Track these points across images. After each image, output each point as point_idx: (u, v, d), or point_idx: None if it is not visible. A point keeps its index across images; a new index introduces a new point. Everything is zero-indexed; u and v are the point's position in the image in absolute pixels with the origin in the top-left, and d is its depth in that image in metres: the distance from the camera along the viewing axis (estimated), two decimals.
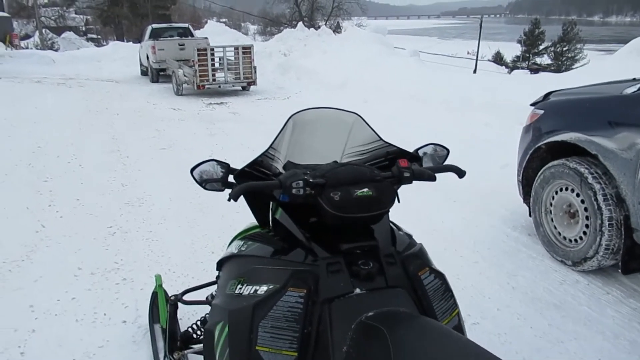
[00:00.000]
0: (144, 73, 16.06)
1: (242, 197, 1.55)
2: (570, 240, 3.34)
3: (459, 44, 57.18)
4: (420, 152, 1.79)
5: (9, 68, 17.45)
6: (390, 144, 1.71)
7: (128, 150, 6.62)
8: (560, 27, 44.77)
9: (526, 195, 3.78)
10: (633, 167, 2.85)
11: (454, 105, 8.09)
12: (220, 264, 1.80)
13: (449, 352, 1.13)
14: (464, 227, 4.02)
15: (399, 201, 1.52)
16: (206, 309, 2.18)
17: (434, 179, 1.62)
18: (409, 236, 1.68)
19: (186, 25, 17.19)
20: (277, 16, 47.95)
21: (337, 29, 23.21)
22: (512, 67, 41.07)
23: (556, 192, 3.44)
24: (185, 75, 11.85)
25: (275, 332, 1.32)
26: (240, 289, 1.48)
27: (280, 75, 13.71)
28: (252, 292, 1.44)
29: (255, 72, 11.92)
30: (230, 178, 1.67)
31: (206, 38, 15.22)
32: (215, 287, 1.96)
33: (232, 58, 11.92)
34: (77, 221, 4.18)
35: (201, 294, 2.39)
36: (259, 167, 1.68)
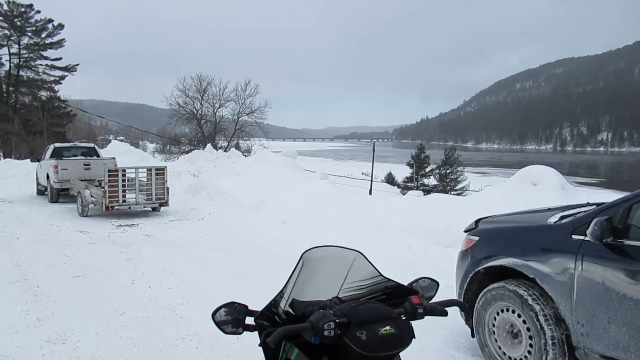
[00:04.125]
0: (40, 192, 15.19)
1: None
2: None
3: (353, 165, 60.75)
4: (415, 286, 1.90)
5: None
6: (388, 279, 1.80)
7: (37, 279, 6.08)
8: (442, 152, 49.62)
9: (467, 316, 3.97)
10: (568, 289, 3.16)
11: (371, 227, 8.46)
12: None
13: None
14: (409, 352, 4.07)
15: (414, 337, 1.58)
16: None
17: (445, 314, 1.72)
18: None
19: (91, 144, 16.82)
20: (176, 135, 48.41)
21: (245, 152, 23.94)
22: (404, 187, 44.24)
23: (498, 313, 3.66)
24: (92, 196, 11.38)
25: None
26: None
27: (192, 195, 13.61)
28: None
29: (168, 192, 11.76)
30: (248, 320, 1.68)
31: (114, 158, 14.95)
32: None
33: (145, 179, 11.73)
34: None
35: None
36: (271, 308, 1.70)
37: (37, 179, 15.66)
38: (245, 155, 19.21)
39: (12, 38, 37.91)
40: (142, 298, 5.41)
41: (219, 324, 1.66)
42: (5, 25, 37.21)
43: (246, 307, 1.67)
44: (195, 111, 41.80)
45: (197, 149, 25.08)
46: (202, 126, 42.17)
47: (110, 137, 59.49)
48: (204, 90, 41.45)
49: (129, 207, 11.57)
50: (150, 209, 11.92)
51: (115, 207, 11.17)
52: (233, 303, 1.68)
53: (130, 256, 7.46)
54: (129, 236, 9.13)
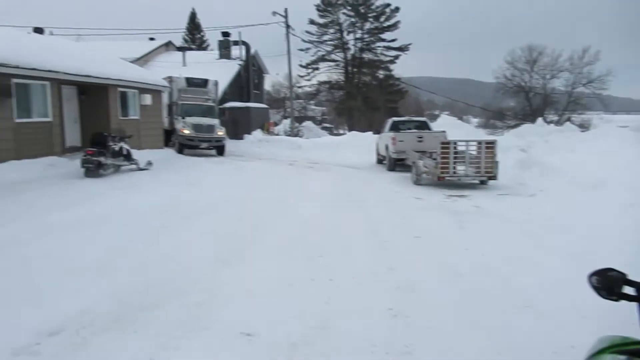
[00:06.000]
0: (379, 161, 17.13)
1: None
2: None
3: None
4: None
5: (265, 151, 20.54)
6: None
7: (385, 236, 7.00)
8: None
9: None
10: None
11: None
12: None
13: None
14: None
15: None
16: None
17: None
18: None
19: (424, 119, 18.07)
20: (501, 109, 47.43)
21: (579, 126, 21.93)
22: None
23: None
24: (425, 167, 12.27)
25: None
26: None
27: (521, 170, 13.23)
28: None
29: (497, 167, 11.77)
30: (627, 289, 1.62)
31: (444, 131, 15.70)
32: None
33: (475, 152, 12.00)
34: (358, 297, 4.49)
35: None
36: None
37: (377, 149, 17.69)
38: (582, 131, 17.54)
39: (356, 25, 43.34)
40: (476, 264, 5.66)
41: (595, 289, 1.65)
42: (352, 14, 42.72)
43: (623, 275, 1.61)
44: (523, 83, 40.19)
45: (523, 123, 24.14)
46: (530, 99, 40.29)
47: (436, 112, 62.27)
48: (534, 60, 39.45)
49: (458, 179, 12.06)
50: (477, 181, 12.16)
51: (446, 178, 11.79)
52: (609, 270, 1.64)
53: (462, 225, 7.82)
54: (459, 206, 9.55)
